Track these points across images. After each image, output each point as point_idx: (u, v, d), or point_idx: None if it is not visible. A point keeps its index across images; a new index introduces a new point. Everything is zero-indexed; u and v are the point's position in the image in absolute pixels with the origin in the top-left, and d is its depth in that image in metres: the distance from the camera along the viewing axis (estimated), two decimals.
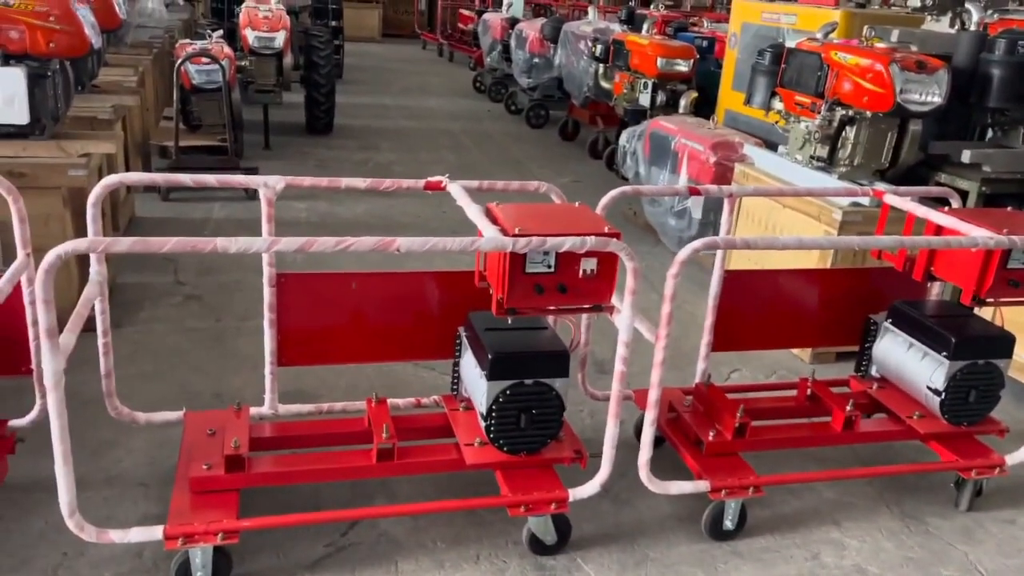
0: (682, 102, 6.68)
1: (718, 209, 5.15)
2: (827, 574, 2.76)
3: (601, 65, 8.11)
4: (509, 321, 2.53)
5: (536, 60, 9.95)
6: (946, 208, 3.06)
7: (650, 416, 2.62)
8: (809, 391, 3.26)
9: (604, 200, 3.02)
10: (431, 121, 10.39)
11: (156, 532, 2.30)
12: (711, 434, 2.94)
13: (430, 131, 9.76)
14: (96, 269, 2.54)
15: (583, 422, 3.57)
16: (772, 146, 5.12)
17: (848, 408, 3.06)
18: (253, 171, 6.06)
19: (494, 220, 2.50)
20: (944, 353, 2.98)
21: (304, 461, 2.66)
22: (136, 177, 3.04)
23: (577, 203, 2.75)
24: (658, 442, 3.20)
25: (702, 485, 2.77)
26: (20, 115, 3.67)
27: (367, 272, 2.89)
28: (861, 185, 4.26)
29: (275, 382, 2.90)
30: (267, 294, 2.76)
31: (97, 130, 4.34)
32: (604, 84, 8.10)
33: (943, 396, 3.00)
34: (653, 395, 2.60)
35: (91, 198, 2.48)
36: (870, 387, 3.33)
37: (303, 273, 2.84)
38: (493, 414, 2.60)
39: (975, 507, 3.13)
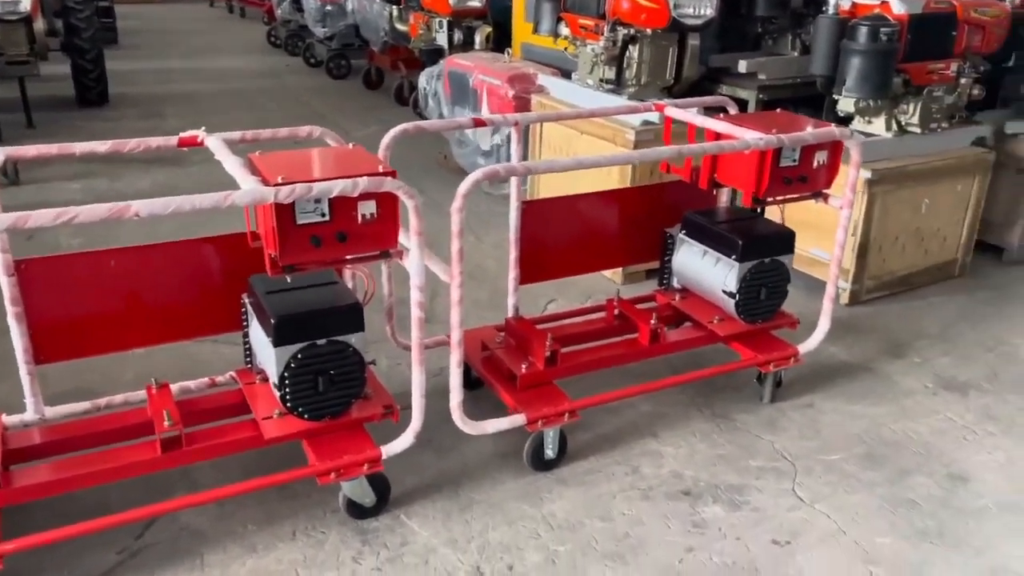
0: (477, 38, 6.55)
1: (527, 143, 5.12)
2: (646, 484, 2.82)
3: (395, 8, 7.82)
4: (288, 280, 2.33)
5: (329, 8, 9.48)
6: (722, 115, 3.13)
7: (455, 358, 2.52)
8: (616, 311, 3.29)
9: (386, 139, 2.85)
10: (223, 82, 9.71)
11: None
12: (523, 366, 2.90)
13: (223, 93, 9.12)
14: None
15: (403, 374, 3.45)
16: (568, 75, 5.11)
17: (652, 322, 3.11)
18: None
19: (256, 171, 2.28)
20: (733, 256, 3.08)
21: (77, 465, 2.37)
22: None
23: (351, 144, 2.57)
24: (480, 384, 3.16)
25: (518, 419, 2.73)
26: None
27: (126, 247, 2.59)
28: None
29: (35, 383, 2.56)
30: (6, 285, 2.40)
31: None
32: (400, 27, 7.83)
33: (737, 297, 3.11)
34: (455, 336, 2.50)
35: None
36: (673, 299, 3.42)
37: (48, 257, 2.50)
38: (287, 382, 2.41)
39: (777, 398, 3.30)
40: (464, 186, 2.33)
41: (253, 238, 2.42)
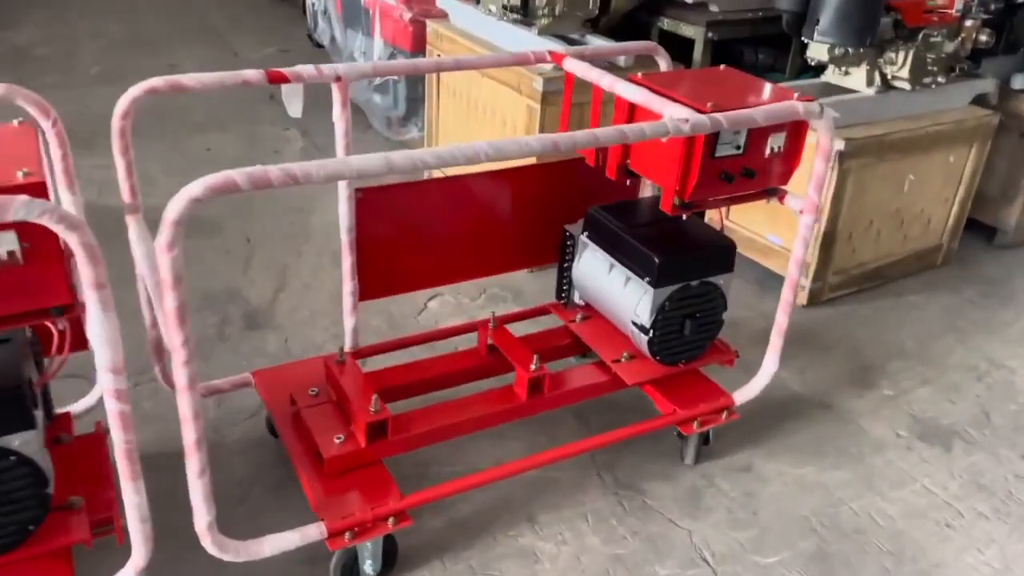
0: None
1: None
2: None
3: None
4: None
5: None
6: (641, 74, 2.18)
7: (194, 466, 1.62)
8: (489, 341, 2.40)
9: (122, 103, 1.87)
10: None
11: None
12: (336, 440, 2.02)
13: None
14: None
15: (207, 413, 2.54)
16: None
17: (532, 366, 2.22)
18: None
19: None
20: (647, 279, 2.19)
21: None
22: None
23: (17, 121, 1.60)
24: None
25: (312, 532, 1.85)
26: None
27: None
28: (567, 40, 3.35)
29: None
30: None
31: None
32: None
33: (651, 334, 2.23)
34: (190, 435, 1.59)
35: None
36: (573, 318, 2.53)
37: None
38: None
39: (706, 455, 2.47)
40: (174, 210, 1.38)
41: None
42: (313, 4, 5.04)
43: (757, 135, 2.03)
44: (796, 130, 2.10)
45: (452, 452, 2.40)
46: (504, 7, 3.34)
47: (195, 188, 1.38)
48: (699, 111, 1.89)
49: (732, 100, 1.98)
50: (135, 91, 1.86)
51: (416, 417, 2.13)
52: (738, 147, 2.03)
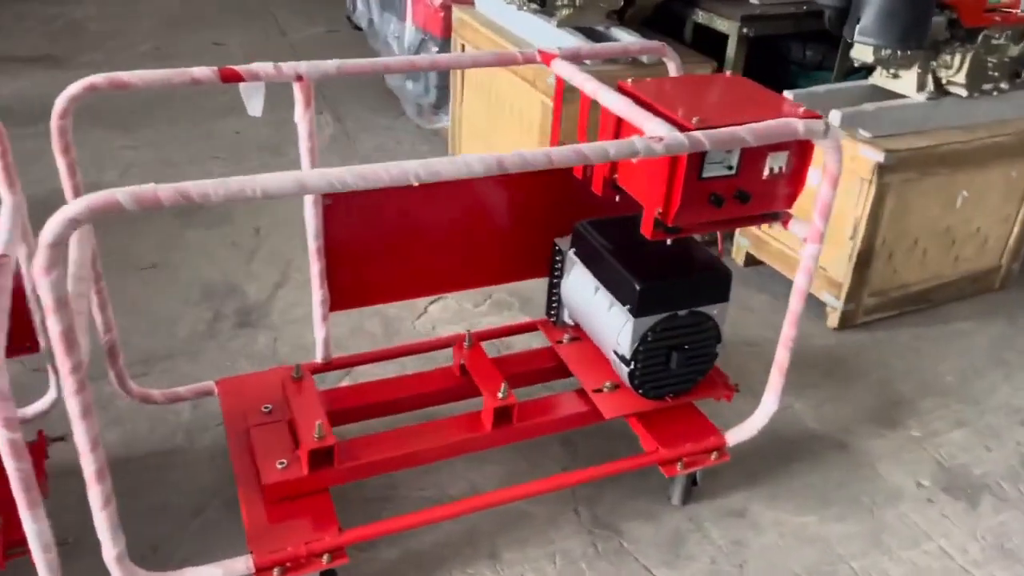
0: None
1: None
2: None
3: None
4: None
5: None
6: (631, 81, 1.96)
7: (98, 498, 1.52)
8: (462, 362, 2.24)
9: (61, 102, 1.77)
10: None
11: None
12: (279, 465, 1.90)
13: None
14: None
15: (180, 416, 2.48)
16: None
17: (500, 394, 2.06)
18: None
19: None
20: (628, 306, 1.99)
21: None
22: None
23: None
24: None
25: (237, 566, 1.74)
26: None
27: None
28: (590, 33, 3.14)
29: None
30: None
31: None
32: None
33: (632, 366, 2.03)
34: (90, 466, 1.49)
35: None
36: (561, 339, 2.35)
37: None
38: None
39: (696, 495, 2.27)
40: (51, 231, 1.26)
41: None
42: None
43: (753, 155, 1.80)
44: (801, 149, 1.86)
45: (423, 474, 2.26)
46: None
47: (74, 208, 1.26)
48: (682, 127, 1.68)
49: (725, 115, 1.76)
50: (73, 89, 1.75)
51: (369, 443, 2.00)
52: (730, 167, 1.80)
